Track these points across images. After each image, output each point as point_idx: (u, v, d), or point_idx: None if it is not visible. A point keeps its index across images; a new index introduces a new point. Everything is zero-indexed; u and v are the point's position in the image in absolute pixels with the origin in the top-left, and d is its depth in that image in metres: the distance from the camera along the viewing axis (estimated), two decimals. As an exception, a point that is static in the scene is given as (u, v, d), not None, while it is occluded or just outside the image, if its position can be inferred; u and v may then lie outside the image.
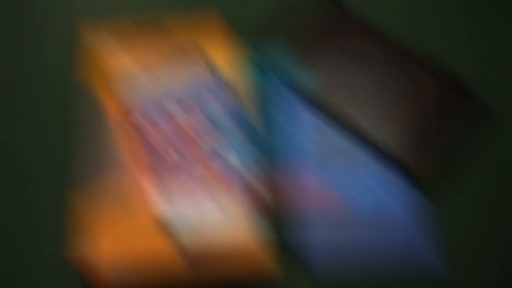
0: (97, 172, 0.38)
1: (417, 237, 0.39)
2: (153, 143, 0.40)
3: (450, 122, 0.42)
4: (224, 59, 0.43)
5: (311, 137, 0.43)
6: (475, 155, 0.43)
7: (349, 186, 0.41)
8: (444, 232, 0.40)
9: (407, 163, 0.40)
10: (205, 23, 0.44)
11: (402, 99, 0.43)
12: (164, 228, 0.37)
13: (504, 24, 0.49)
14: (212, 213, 0.37)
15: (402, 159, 0.41)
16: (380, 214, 0.40)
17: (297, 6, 0.47)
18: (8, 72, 0.46)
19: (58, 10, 0.49)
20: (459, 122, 0.42)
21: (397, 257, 0.38)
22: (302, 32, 0.46)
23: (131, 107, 0.41)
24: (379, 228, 0.39)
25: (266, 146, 0.43)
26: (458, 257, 0.39)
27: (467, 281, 0.38)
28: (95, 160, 0.39)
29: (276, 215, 0.41)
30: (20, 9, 0.49)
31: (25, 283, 0.38)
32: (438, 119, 0.42)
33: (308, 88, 0.44)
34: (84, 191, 0.38)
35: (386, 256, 0.38)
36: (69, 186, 0.41)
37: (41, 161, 0.42)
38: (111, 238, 0.36)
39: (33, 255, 0.39)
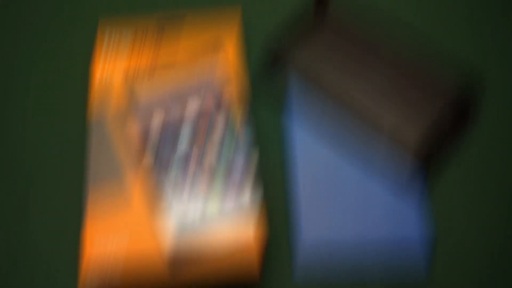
0: (107, 174, 0.39)
1: (404, 232, 0.40)
2: (160, 141, 0.40)
3: (445, 129, 0.43)
4: (240, 58, 0.43)
5: (304, 134, 0.43)
6: (465, 155, 0.44)
7: (340, 182, 0.41)
8: (432, 218, 0.41)
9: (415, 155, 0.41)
10: (226, 21, 0.44)
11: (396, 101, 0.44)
12: (154, 226, 0.38)
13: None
14: (198, 214, 0.38)
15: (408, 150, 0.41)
16: (369, 210, 0.40)
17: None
18: (27, 68, 0.46)
19: (82, 7, 0.49)
20: (454, 131, 0.43)
21: (383, 254, 0.39)
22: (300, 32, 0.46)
23: (147, 105, 0.41)
24: (366, 223, 0.40)
25: (260, 146, 0.44)
26: (442, 258, 0.40)
27: (448, 282, 0.39)
28: (107, 161, 0.39)
29: (262, 213, 0.42)
30: (43, 6, 0.49)
31: (38, 283, 0.39)
32: (433, 125, 0.43)
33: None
34: (95, 192, 0.38)
35: (372, 252, 0.39)
36: (82, 188, 0.42)
37: (55, 161, 0.43)
38: (111, 238, 0.37)
39: (46, 257, 0.40)
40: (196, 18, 0.45)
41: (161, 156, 0.40)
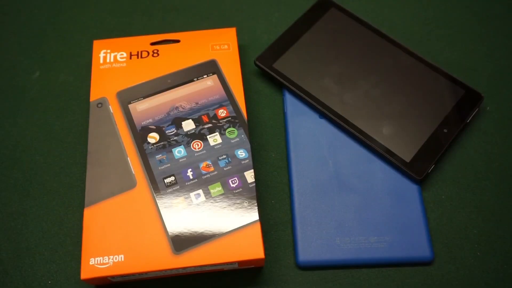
0: (110, 186, 0.39)
1: (404, 217, 0.40)
2: (162, 154, 0.41)
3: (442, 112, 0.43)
4: (236, 74, 0.44)
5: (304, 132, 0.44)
6: (465, 141, 0.44)
7: (339, 169, 0.42)
8: (430, 215, 0.41)
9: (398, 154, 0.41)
10: (220, 40, 0.46)
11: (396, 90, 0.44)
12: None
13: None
14: (202, 202, 0.38)
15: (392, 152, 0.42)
16: (368, 194, 0.41)
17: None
18: (27, 89, 0.47)
19: (76, 29, 0.50)
20: (452, 114, 0.43)
21: (384, 238, 0.39)
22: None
23: (145, 121, 0.42)
24: (367, 207, 0.40)
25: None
26: (443, 241, 0.40)
27: (450, 264, 0.39)
28: (109, 174, 0.39)
29: (261, 196, 0.42)
30: (40, 27, 0.51)
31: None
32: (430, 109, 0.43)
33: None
34: (98, 206, 0.38)
35: (373, 236, 0.39)
36: (84, 201, 0.42)
37: (59, 176, 0.43)
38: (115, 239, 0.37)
39: (48, 271, 0.40)
40: (192, 38, 0.46)
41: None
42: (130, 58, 0.45)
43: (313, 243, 0.39)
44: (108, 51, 0.45)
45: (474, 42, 0.49)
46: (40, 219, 0.41)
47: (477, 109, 0.43)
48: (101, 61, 0.45)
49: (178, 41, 0.46)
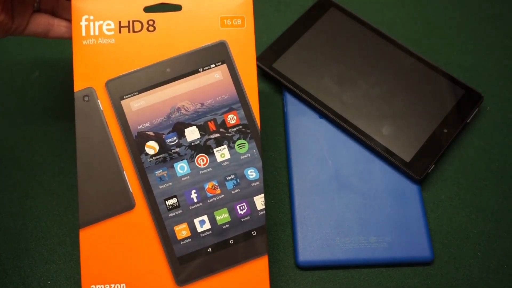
0: (106, 205, 0.35)
1: (403, 217, 0.40)
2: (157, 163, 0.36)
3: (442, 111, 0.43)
4: (250, 64, 0.37)
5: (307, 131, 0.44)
6: (465, 141, 0.44)
7: (339, 168, 0.42)
8: (430, 215, 0.41)
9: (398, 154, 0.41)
10: (232, 8, 0.37)
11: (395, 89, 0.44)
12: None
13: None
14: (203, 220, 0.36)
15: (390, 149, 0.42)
16: (368, 194, 0.41)
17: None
18: (26, 89, 0.47)
19: None
20: (452, 113, 0.43)
21: (384, 238, 0.39)
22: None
23: (142, 125, 0.36)
24: (367, 207, 0.40)
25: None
26: (443, 240, 0.40)
27: (450, 264, 0.39)
28: (104, 192, 0.35)
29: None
30: None
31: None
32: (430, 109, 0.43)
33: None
34: (95, 228, 0.35)
35: (373, 236, 0.39)
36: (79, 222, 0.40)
37: (59, 176, 0.43)
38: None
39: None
40: (196, 4, 0.37)
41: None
42: (120, 31, 0.36)
43: (313, 243, 0.39)
44: (91, 17, 0.36)
45: (474, 42, 0.49)
46: (39, 219, 0.41)
47: (477, 109, 0.43)
48: (84, 33, 0.36)
49: (179, 7, 0.37)
